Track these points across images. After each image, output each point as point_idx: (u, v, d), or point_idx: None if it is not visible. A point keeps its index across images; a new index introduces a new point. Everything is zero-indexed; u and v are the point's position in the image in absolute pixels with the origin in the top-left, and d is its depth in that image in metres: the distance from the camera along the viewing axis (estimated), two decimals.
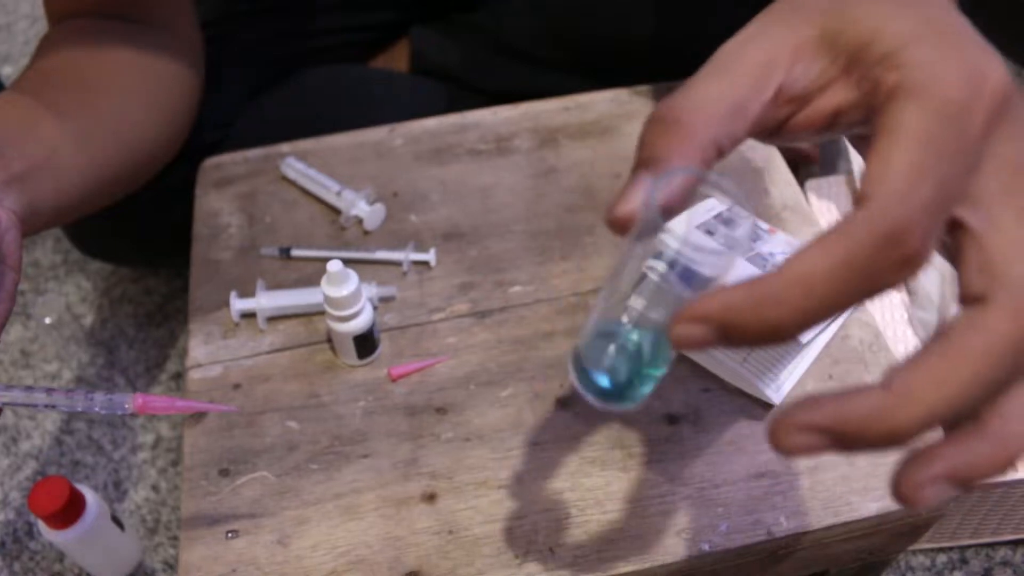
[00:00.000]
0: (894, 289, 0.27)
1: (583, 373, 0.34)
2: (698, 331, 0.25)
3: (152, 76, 0.60)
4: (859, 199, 0.24)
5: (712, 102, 0.28)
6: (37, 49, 0.57)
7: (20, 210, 0.43)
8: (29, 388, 0.38)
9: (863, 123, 0.28)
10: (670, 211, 0.28)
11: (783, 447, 0.25)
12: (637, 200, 0.28)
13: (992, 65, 0.26)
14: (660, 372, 0.33)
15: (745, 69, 0.28)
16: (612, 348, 0.32)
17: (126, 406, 0.38)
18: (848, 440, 0.24)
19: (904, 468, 0.25)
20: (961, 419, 0.25)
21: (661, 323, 0.28)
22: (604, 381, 0.33)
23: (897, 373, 0.24)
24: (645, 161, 0.28)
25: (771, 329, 0.24)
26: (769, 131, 0.30)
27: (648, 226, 0.27)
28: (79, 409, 0.39)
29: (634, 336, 0.31)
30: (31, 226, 0.45)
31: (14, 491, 0.86)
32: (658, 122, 0.28)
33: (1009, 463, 0.25)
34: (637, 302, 0.30)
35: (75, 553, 0.75)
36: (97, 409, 0.38)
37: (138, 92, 0.59)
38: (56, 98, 0.52)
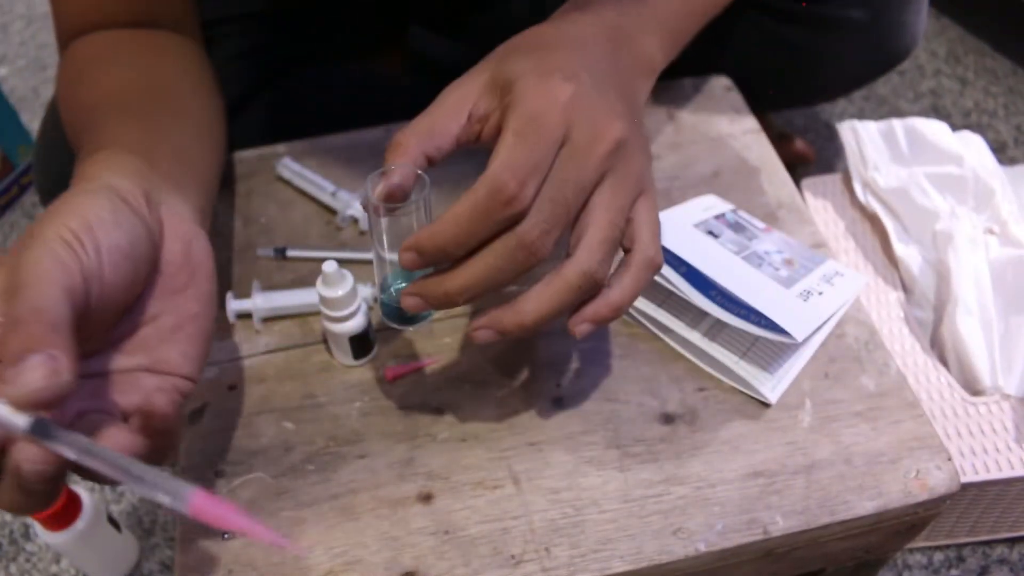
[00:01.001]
0: (510, 221, 0.39)
1: (383, 307, 0.49)
2: (409, 256, 0.40)
3: (200, 74, 0.61)
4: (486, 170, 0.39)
5: (420, 129, 0.43)
6: (80, 73, 0.56)
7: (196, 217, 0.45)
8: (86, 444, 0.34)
9: None
10: (394, 196, 0.42)
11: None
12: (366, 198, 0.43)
13: (564, 84, 0.41)
14: None
15: (448, 104, 0.44)
16: (392, 288, 0.48)
17: (182, 501, 0.33)
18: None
19: (470, 323, 0.43)
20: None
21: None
22: (393, 311, 0.48)
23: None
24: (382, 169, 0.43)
25: (438, 249, 0.39)
26: (472, 142, 0.44)
27: (372, 210, 0.43)
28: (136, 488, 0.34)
29: (400, 280, 0.48)
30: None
31: None
32: (389, 146, 0.43)
33: (520, 323, 0.41)
34: (390, 257, 0.46)
35: (72, 554, 0.75)
36: (159, 496, 0.34)
37: (203, 92, 0.59)
38: (151, 114, 0.52)
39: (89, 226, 0.36)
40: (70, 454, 0.33)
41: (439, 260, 0.40)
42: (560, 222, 0.40)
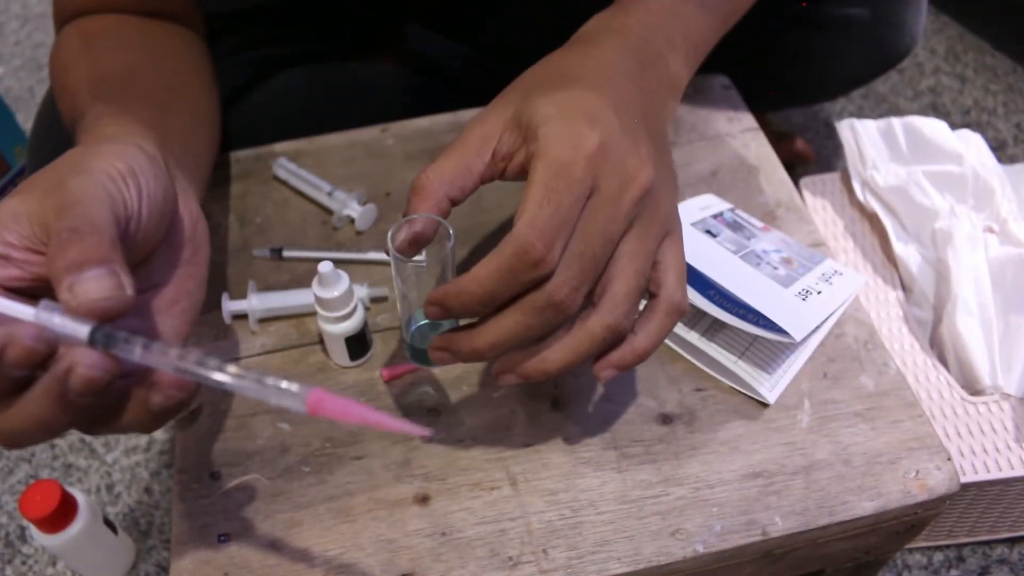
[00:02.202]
0: (537, 281, 0.38)
1: (408, 347, 0.50)
2: (433, 309, 0.40)
3: (201, 66, 0.61)
4: (514, 223, 0.38)
5: (443, 170, 0.42)
6: (81, 48, 0.55)
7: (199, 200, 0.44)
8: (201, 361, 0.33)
9: None
10: (416, 244, 0.42)
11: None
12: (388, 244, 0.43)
13: (591, 131, 0.39)
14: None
15: (471, 142, 0.43)
16: (414, 328, 0.49)
17: (297, 402, 0.32)
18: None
19: (495, 365, 0.43)
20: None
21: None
22: (418, 349, 0.49)
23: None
24: (404, 215, 0.42)
25: (464, 307, 0.39)
26: (496, 178, 0.43)
27: (397, 257, 0.43)
28: (250, 395, 0.33)
29: (424, 320, 0.48)
30: None
31: (6, 495, 0.86)
32: (412, 189, 0.42)
33: (544, 371, 0.41)
34: (415, 298, 0.47)
35: (68, 557, 0.74)
36: (272, 401, 0.33)
37: (204, 85, 0.59)
38: (160, 98, 0.51)
39: (133, 170, 0.36)
40: (137, 358, 0.32)
41: (464, 316, 0.41)
42: (589, 277, 0.39)
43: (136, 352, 0.32)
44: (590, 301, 0.41)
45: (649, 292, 0.43)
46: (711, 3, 0.54)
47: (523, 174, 0.42)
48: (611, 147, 0.40)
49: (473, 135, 0.43)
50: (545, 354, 0.41)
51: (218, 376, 0.32)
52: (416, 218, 0.42)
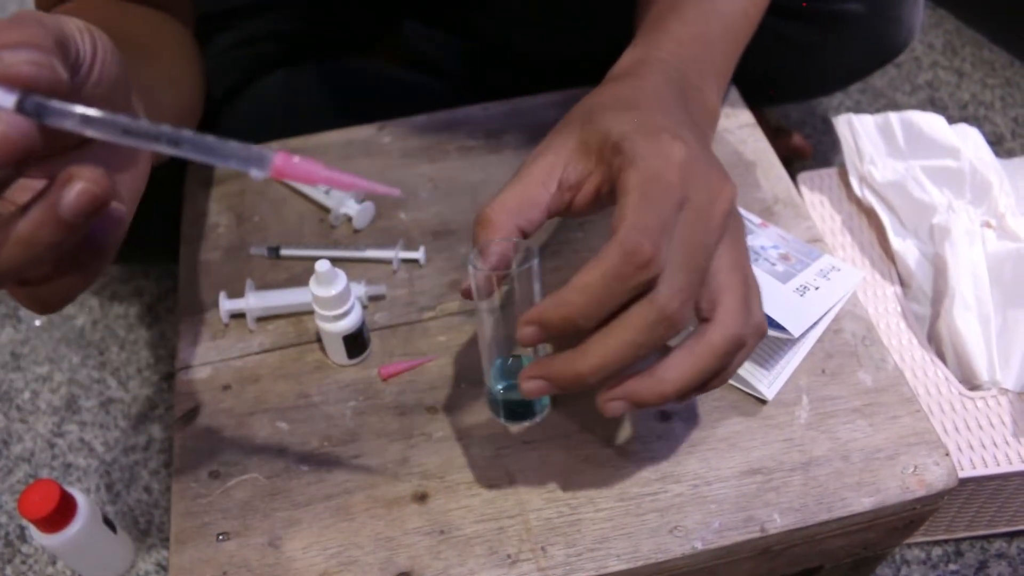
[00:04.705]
0: (643, 287, 0.36)
1: (490, 401, 0.48)
2: (529, 330, 0.37)
3: (181, 45, 0.60)
4: (611, 233, 0.36)
5: (511, 203, 0.41)
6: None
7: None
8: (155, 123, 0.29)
9: (614, 196, 0.39)
10: (501, 265, 0.40)
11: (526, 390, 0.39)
12: (469, 281, 0.41)
13: (675, 144, 0.39)
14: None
15: (535, 174, 0.42)
16: (500, 384, 0.46)
17: (261, 167, 0.29)
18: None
19: (600, 392, 0.39)
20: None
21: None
22: (508, 405, 0.47)
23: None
24: (476, 249, 0.41)
25: (565, 321, 0.36)
26: (562, 211, 0.43)
27: (476, 291, 0.41)
28: (206, 158, 0.29)
29: (503, 375, 0.45)
30: None
31: (5, 494, 0.86)
32: (478, 222, 0.41)
33: (661, 394, 0.37)
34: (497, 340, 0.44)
35: (67, 556, 0.74)
36: (232, 164, 0.29)
37: (180, 56, 0.58)
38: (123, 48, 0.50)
39: (91, 29, 0.32)
40: (75, 125, 0.28)
41: (565, 334, 0.37)
42: (695, 290, 0.37)
43: (74, 118, 0.28)
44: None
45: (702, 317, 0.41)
46: (732, 26, 0.54)
47: (594, 203, 0.42)
48: (696, 159, 0.39)
49: (536, 167, 0.42)
50: (661, 375, 0.37)
51: (172, 134, 0.28)
52: (489, 243, 0.40)
